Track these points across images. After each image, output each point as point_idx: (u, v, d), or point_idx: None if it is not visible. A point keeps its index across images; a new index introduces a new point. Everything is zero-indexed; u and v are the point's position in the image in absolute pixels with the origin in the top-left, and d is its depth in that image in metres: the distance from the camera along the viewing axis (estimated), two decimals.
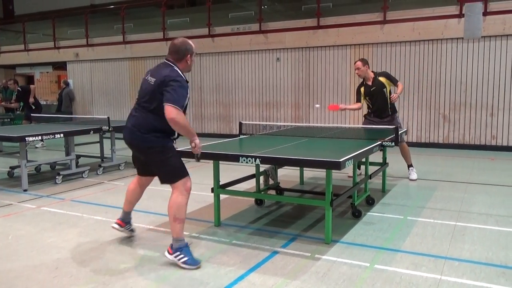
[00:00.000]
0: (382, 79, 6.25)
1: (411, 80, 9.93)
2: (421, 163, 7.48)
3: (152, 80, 3.41)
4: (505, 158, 8.43)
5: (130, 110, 3.64)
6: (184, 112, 3.41)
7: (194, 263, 3.34)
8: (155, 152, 3.47)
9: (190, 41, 3.52)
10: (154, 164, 3.54)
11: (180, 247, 3.38)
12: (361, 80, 6.46)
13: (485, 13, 9.16)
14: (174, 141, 3.61)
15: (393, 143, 4.79)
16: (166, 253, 3.42)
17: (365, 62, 6.33)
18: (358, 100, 6.47)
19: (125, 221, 3.96)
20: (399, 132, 5.36)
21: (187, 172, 3.61)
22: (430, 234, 4.07)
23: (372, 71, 6.36)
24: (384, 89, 6.21)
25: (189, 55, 3.49)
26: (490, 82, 9.35)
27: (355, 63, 6.41)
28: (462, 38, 9.44)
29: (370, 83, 6.30)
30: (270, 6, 12.79)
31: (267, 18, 11.59)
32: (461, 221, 4.44)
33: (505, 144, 9.32)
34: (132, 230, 4.04)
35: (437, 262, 3.40)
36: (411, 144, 9.45)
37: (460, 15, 9.37)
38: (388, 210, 4.86)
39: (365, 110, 6.68)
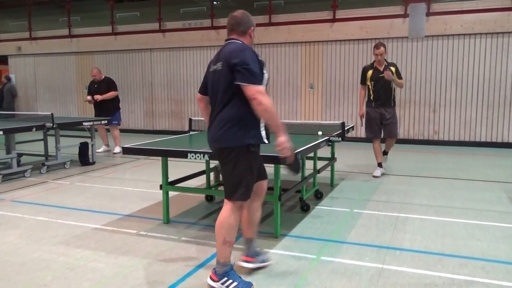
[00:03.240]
0: (393, 69, 6.18)
1: (358, 78, 10.19)
2: (368, 158, 7.71)
3: (218, 66, 2.86)
4: (446, 152, 8.88)
5: (208, 114, 3.07)
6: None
7: (246, 286, 2.86)
8: (227, 155, 2.86)
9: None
10: (224, 169, 2.95)
11: (226, 272, 2.86)
12: (370, 62, 6.36)
13: (428, 14, 9.58)
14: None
15: (340, 138, 4.91)
16: (209, 280, 2.89)
17: (385, 47, 6.27)
18: (363, 82, 6.37)
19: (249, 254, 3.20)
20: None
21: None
22: (374, 225, 4.21)
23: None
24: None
25: (252, 28, 3.01)
26: (432, 79, 9.79)
27: (378, 48, 6.15)
28: (407, 37, 9.82)
29: (381, 68, 6.20)
30: (222, 2, 12.74)
31: (219, 14, 11.53)
32: (403, 212, 4.63)
33: (446, 139, 9.81)
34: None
35: (379, 252, 3.53)
36: (360, 140, 9.76)
37: (405, 15, 9.74)
38: (335, 204, 4.99)
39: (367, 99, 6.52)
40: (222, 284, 2.83)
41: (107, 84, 8.70)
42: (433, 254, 3.48)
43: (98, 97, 8.53)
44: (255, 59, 2.79)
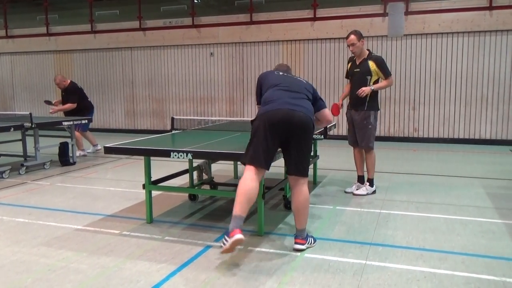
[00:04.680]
0: (371, 63, 5.07)
1: (340, 76, 10.31)
2: (350, 156, 7.77)
3: (297, 77, 3.82)
4: (426, 149, 9.03)
5: (277, 94, 3.54)
6: None
7: (315, 239, 3.69)
8: (310, 135, 3.52)
9: None
10: (302, 146, 3.47)
11: (307, 234, 3.61)
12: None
13: (407, 13, 9.72)
14: None
15: (322, 136, 4.94)
16: (298, 246, 3.50)
17: (359, 35, 5.07)
18: (347, 76, 5.44)
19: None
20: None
21: None
22: (357, 222, 4.26)
23: (368, 50, 5.23)
24: (368, 77, 5.09)
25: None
26: (412, 78, 9.95)
27: (347, 37, 5.10)
28: (386, 36, 9.95)
29: (358, 62, 5.19)
30: (203, 0, 12.68)
31: (200, 13, 11.48)
32: (385, 208, 4.70)
33: (426, 136, 9.98)
34: None
35: (362, 248, 3.58)
36: (342, 138, 9.84)
37: (385, 14, 9.87)
38: (318, 201, 5.03)
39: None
40: (308, 243, 3.55)
41: (66, 93, 8.38)
42: (414, 249, 3.54)
43: (54, 109, 8.29)
44: None
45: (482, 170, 6.77)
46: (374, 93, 5.18)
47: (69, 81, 8.55)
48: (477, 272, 3.11)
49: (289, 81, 3.70)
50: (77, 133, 8.18)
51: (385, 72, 5.11)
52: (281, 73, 3.81)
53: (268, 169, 3.46)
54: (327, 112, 3.85)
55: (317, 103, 3.74)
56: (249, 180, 3.32)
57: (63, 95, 8.49)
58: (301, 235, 3.54)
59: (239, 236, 3.07)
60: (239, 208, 3.22)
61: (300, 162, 3.47)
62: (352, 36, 5.07)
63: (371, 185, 5.34)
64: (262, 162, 3.38)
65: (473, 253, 3.46)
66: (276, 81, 3.69)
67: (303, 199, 3.46)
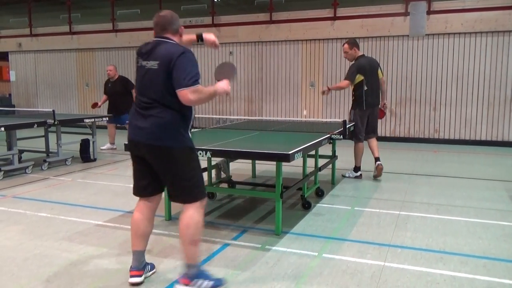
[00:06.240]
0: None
1: None
2: (369, 156, 7.71)
3: (153, 64, 2.78)
4: (447, 150, 8.89)
5: (131, 113, 2.93)
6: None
7: (220, 283, 2.85)
8: (167, 158, 2.80)
9: None
10: (165, 172, 2.86)
11: (198, 273, 2.79)
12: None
13: (429, 12, 9.58)
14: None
15: (341, 136, 4.92)
16: (177, 286, 2.80)
17: (352, 44, 5.90)
18: None
19: (140, 267, 2.97)
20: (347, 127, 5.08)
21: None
22: (375, 223, 4.23)
23: (360, 56, 6.02)
24: None
25: (182, 27, 2.99)
26: (433, 78, 9.80)
27: (343, 45, 6.05)
28: (408, 35, 9.82)
29: None
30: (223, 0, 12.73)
31: (219, 12, 11.53)
32: (405, 210, 4.65)
33: (446, 137, 9.82)
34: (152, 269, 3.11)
35: (381, 249, 3.55)
36: None
37: (406, 14, 9.73)
38: (336, 201, 5.00)
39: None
40: (197, 287, 2.76)
41: (123, 84, 8.59)
42: (434, 252, 3.50)
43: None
44: (194, 62, 2.77)
45: (505, 173, 6.64)
46: (356, 94, 5.98)
47: (118, 74, 8.84)
48: (499, 276, 3.05)
49: (145, 80, 2.83)
50: (113, 129, 8.81)
51: (346, 74, 6.01)
52: (142, 63, 2.87)
53: (156, 193, 3.03)
54: (183, 93, 2.67)
55: (174, 81, 2.70)
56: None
57: (109, 86, 8.66)
58: (186, 273, 2.79)
59: (131, 279, 2.90)
60: (132, 243, 2.98)
61: (172, 188, 2.89)
62: (345, 45, 6.00)
63: (355, 170, 6.24)
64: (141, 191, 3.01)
65: (495, 257, 3.40)
66: (136, 83, 2.93)
67: (182, 227, 2.78)
